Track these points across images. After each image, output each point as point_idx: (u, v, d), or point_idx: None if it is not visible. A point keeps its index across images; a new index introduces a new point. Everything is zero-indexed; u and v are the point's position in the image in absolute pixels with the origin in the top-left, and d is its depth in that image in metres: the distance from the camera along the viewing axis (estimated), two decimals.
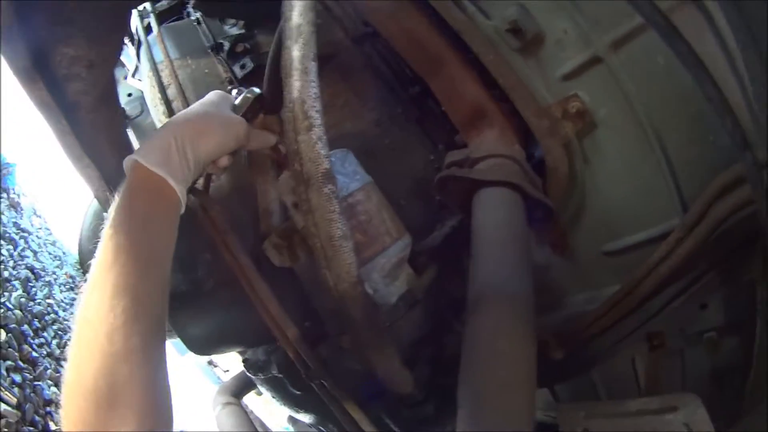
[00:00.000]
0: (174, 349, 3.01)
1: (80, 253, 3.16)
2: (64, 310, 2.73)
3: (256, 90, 0.94)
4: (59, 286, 2.89)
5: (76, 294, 3.02)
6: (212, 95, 0.87)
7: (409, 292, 0.81)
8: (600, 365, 1.28)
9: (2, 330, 2.13)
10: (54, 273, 2.92)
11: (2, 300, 2.27)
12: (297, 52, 0.76)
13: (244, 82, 1.10)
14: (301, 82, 0.73)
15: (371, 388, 0.85)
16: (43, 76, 0.93)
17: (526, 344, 0.67)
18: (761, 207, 0.61)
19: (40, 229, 3.18)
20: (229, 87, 1.11)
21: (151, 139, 0.76)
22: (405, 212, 0.97)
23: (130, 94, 1.73)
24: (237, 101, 0.88)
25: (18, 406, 1.93)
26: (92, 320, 0.61)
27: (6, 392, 1.95)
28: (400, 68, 1.01)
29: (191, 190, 0.96)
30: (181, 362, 3.27)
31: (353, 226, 0.77)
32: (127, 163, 0.73)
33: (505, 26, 0.86)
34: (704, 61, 0.61)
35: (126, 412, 0.58)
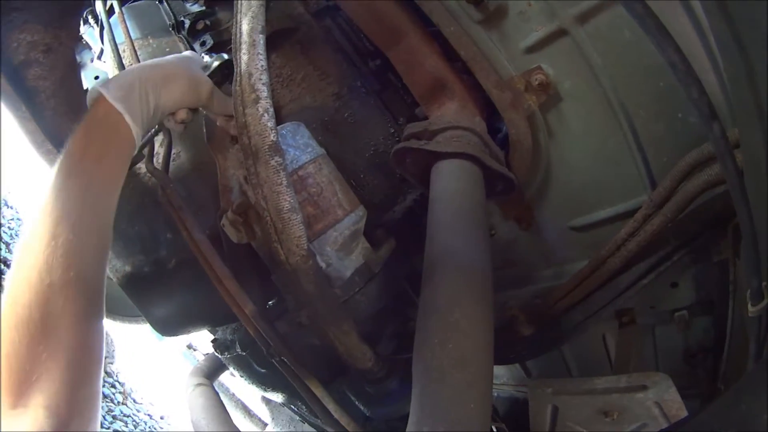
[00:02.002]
0: (152, 334, 3.01)
1: None
2: None
3: (225, 56, 0.93)
4: None
5: None
6: (185, 53, 0.89)
7: (365, 265, 0.80)
8: (571, 341, 1.29)
9: None
10: None
11: None
12: (246, 26, 0.75)
13: None
14: (249, 55, 0.72)
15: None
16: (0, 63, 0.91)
17: (481, 316, 0.65)
18: (728, 176, 0.60)
19: (11, 220, 3.13)
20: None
21: (118, 76, 0.77)
22: (365, 186, 0.96)
23: (96, 77, 1.70)
24: (205, 63, 0.90)
25: None
26: (34, 247, 0.61)
27: None
28: (361, 41, 1.00)
29: (151, 170, 0.95)
30: (160, 347, 3.26)
31: (304, 199, 0.76)
32: (91, 93, 0.73)
33: None
34: (672, 32, 0.59)
35: (57, 346, 0.58)
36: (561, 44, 0.85)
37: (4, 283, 0.61)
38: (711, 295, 1.07)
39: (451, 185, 0.79)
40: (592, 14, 0.80)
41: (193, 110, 0.86)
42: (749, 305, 0.69)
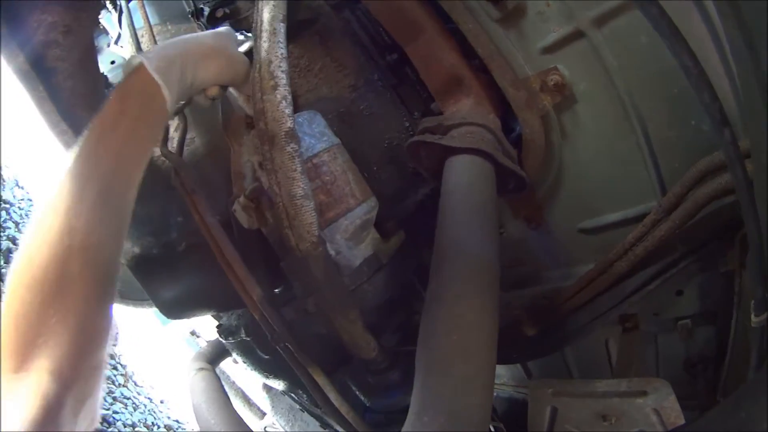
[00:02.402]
0: (156, 319, 3.03)
1: None
2: None
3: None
4: None
5: None
6: (225, 29, 0.88)
7: (374, 256, 0.81)
8: (573, 344, 1.29)
9: None
10: None
11: None
12: (267, 14, 0.76)
13: None
14: (269, 42, 0.73)
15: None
16: (19, 42, 0.92)
17: (485, 310, 0.66)
18: (737, 184, 0.60)
19: (22, 200, 3.15)
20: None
21: (161, 48, 0.77)
22: (377, 178, 0.96)
23: (113, 62, 1.71)
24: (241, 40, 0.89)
25: None
26: (58, 207, 0.59)
27: None
28: (379, 35, 1.00)
29: (165, 153, 0.96)
30: (163, 332, 3.28)
31: (317, 187, 0.77)
32: (131, 61, 0.73)
33: None
34: (688, 38, 0.59)
35: (68, 311, 0.56)
36: (578, 46, 0.85)
37: (20, 243, 0.60)
38: (715, 305, 1.07)
39: (464, 180, 0.79)
40: (610, 17, 0.80)
41: (224, 87, 0.86)
42: (753, 315, 0.69)
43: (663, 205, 0.87)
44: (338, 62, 0.99)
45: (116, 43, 1.68)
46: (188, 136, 1.00)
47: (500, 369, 1.53)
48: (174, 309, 1.05)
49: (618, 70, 0.84)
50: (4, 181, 3.07)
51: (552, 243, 1.10)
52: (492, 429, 1.24)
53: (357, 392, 0.97)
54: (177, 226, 0.97)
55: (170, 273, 0.99)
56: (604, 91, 0.87)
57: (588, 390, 0.95)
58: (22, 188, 3.29)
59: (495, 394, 1.58)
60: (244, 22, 1.08)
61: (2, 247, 2.53)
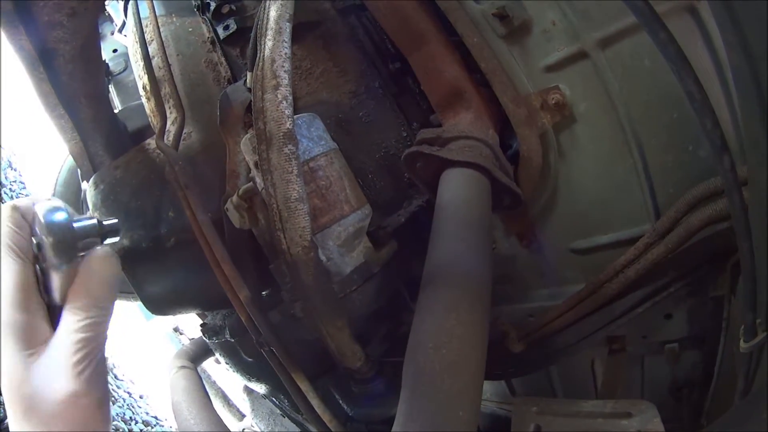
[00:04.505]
0: (140, 313, 3.00)
1: None
2: None
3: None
4: None
5: None
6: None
7: (366, 264, 0.80)
8: (559, 363, 1.29)
9: None
10: None
11: None
12: (274, 12, 0.75)
13: (226, 43, 1.09)
14: (274, 41, 0.72)
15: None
16: (24, 22, 0.91)
17: (475, 325, 0.65)
18: (734, 210, 0.61)
19: (14, 182, 3.12)
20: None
21: None
22: (372, 186, 0.96)
23: (115, 50, 1.71)
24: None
25: None
26: None
27: None
28: (383, 43, 1.00)
29: (161, 146, 0.95)
30: (146, 327, 3.25)
31: (312, 191, 0.76)
32: None
33: (492, 10, 0.85)
34: (692, 64, 0.60)
35: None
36: (581, 67, 0.85)
37: None
38: (703, 330, 1.07)
39: (459, 193, 0.79)
40: (615, 40, 0.81)
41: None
42: (741, 341, 0.69)
43: (657, 229, 0.88)
44: (340, 67, 0.99)
45: (120, 31, 1.68)
46: (185, 130, 1.00)
47: (484, 384, 1.52)
48: (159, 305, 1.03)
49: (619, 93, 0.84)
50: None
51: (542, 261, 1.09)
52: None
53: (340, 401, 0.96)
54: (168, 221, 0.96)
55: (158, 268, 0.98)
56: (603, 113, 0.87)
57: (573, 410, 0.95)
58: (15, 170, 3.25)
59: None
60: (249, 20, 1.08)
61: None
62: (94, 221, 0.61)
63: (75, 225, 0.59)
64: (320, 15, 1.03)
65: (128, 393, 3.39)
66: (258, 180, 0.74)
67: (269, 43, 0.73)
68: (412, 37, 0.92)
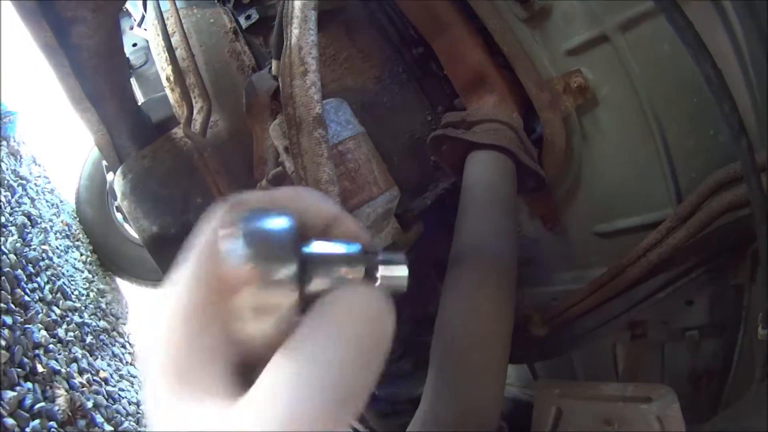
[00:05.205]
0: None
1: (77, 201, 3.17)
2: (58, 257, 2.72)
3: None
4: (55, 234, 2.88)
5: (71, 242, 3.05)
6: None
7: (393, 245, 0.82)
8: (581, 347, 1.29)
9: None
10: (51, 220, 2.92)
11: None
12: (299, 2, 0.76)
13: (249, 32, 1.10)
14: (300, 29, 0.73)
15: None
16: (48, 18, 0.93)
17: (502, 302, 0.67)
18: (751, 195, 0.61)
19: (38, 177, 3.16)
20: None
21: None
22: (398, 170, 0.97)
23: (135, 44, 1.73)
24: None
25: (7, 348, 1.95)
26: None
27: None
28: (405, 28, 1.01)
29: (189, 134, 0.97)
30: None
31: (341, 173, 0.77)
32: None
33: None
34: (710, 49, 0.60)
35: None
36: (602, 50, 0.85)
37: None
38: (724, 319, 1.07)
39: (485, 175, 0.80)
40: (635, 23, 0.80)
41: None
42: (760, 328, 0.69)
43: (678, 213, 0.87)
44: (364, 53, 1.00)
45: (139, 25, 1.70)
46: (212, 119, 1.01)
47: (508, 369, 1.53)
48: None
49: (640, 77, 0.84)
50: (21, 157, 3.09)
51: (566, 245, 1.10)
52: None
53: None
54: (196, 207, 0.98)
55: None
56: (625, 97, 0.87)
57: (594, 392, 0.96)
58: (39, 165, 3.31)
59: None
60: (270, 10, 1.09)
61: (18, 221, 2.55)
62: None
63: None
64: (342, 2, 1.04)
65: None
66: (288, 164, 0.75)
67: (296, 31, 0.74)
68: (434, 23, 0.93)
